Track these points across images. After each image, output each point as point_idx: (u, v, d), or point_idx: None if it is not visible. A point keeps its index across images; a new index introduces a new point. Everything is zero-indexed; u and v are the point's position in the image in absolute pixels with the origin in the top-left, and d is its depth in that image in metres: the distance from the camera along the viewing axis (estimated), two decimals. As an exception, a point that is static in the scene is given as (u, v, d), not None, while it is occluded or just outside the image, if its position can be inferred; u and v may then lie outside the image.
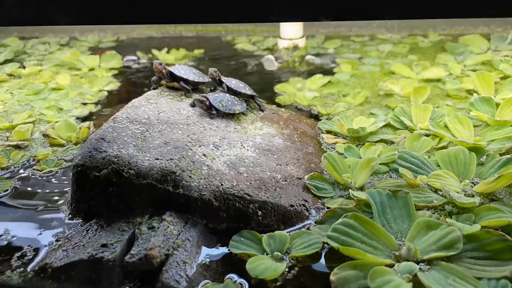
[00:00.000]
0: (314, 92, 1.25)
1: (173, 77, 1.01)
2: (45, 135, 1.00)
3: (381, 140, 0.94)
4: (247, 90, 1.02)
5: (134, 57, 1.65)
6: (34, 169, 0.89)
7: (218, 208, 0.69)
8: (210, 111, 0.93)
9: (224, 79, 1.02)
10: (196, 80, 1.02)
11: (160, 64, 1.01)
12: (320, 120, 1.08)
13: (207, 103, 0.92)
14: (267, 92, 1.27)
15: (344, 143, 0.93)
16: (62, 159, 0.93)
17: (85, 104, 1.24)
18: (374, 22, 1.88)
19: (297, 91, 1.27)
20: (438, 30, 1.82)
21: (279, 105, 1.17)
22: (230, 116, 0.95)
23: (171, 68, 1.02)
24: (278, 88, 1.30)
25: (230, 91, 1.00)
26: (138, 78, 1.49)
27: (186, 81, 1.01)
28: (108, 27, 2.10)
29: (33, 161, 0.93)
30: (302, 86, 1.30)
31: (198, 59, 1.66)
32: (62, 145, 0.99)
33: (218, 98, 0.94)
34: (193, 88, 1.03)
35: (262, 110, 1.03)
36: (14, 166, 0.91)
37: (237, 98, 0.99)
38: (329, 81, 1.32)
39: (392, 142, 0.94)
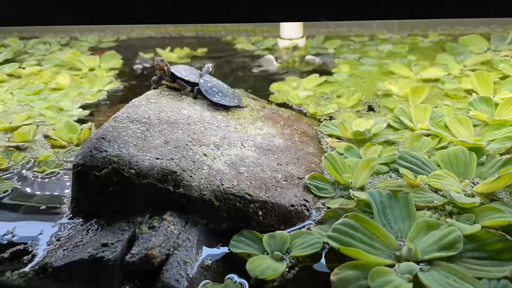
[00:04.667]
0: (308, 92, 1.25)
1: (173, 77, 1.01)
2: (46, 137, 1.00)
3: (385, 142, 0.93)
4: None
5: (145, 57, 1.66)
6: (34, 170, 0.89)
7: (219, 208, 0.69)
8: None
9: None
10: (196, 81, 1.02)
11: (162, 61, 1.01)
12: (319, 119, 1.08)
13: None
14: (264, 91, 1.27)
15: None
16: (63, 160, 0.93)
17: (85, 104, 1.24)
18: (374, 22, 1.88)
19: (292, 89, 1.27)
20: (438, 30, 1.83)
21: (271, 103, 1.17)
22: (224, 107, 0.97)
23: (171, 68, 1.02)
24: (273, 87, 1.30)
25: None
26: (138, 78, 1.49)
27: (186, 82, 1.01)
28: (108, 27, 2.10)
29: (34, 162, 0.93)
30: (297, 85, 1.30)
31: (200, 58, 1.66)
32: (63, 147, 0.98)
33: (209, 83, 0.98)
34: (193, 89, 1.03)
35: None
36: (14, 167, 0.91)
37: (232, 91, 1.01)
38: (325, 81, 1.32)
39: (393, 143, 0.93)
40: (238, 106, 1.00)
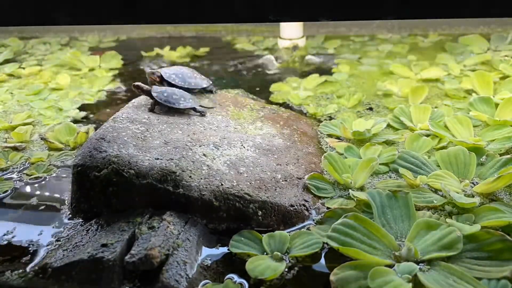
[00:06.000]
0: (308, 92, 1.25)
1: (164, 82, 1.00)
2: (43, 139, 0.99)
3: (385, 142, 0.93)
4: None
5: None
6: (24, 173, 0.88)
7: (218, 208, 0.69)
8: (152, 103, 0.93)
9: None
10: (188, 87, 1.02)
11: (153, 74, 1.01)
12: (319, 120, 1.08)
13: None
14: (264, 92, 1.27)
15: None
16: (53, 164, 0.91)
17: (84, 104, 1.24)
18: (374, 22, 1.88)
19: (292, 90, 1.27)
20: (438, 30, 1.83)
21: (271, 103, 1.17)
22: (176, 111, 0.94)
23: (163, 72, 1.01)
24: (273, 87, 1.30)
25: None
26: (138, 78, 1.49)
27: (176, 87, 1.00)
28: (108, 27, 2.10)
29: (28, 164, 0.92)
30: (297, 86, 1.30)
31: (197, 59, 1.66)
32: (59, 149, 0.97)
33: (159, 89, 0.94)
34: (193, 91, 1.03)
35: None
36: (13, 167, 0.91)
37: (188, 93, 0.98)
38: (325, 81, 1.31)
39: (393, 143, 0.93)
40: (201, 106, 0.99)
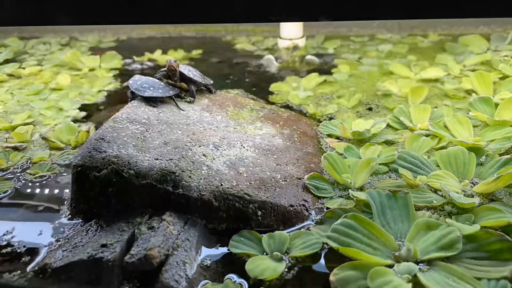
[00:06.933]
0: (308, 92, 1.24)
1: (182, 77, 1.01)
2: (44, 138, 0.99)
3: (385, 142, 0.93)
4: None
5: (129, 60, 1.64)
6: (27, 172, 0.88)
7: (218, 208, 0.69)
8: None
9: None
10: (202, 82, 1.02)
11: (175, 61, 1.00)
12: (318, 120, 1.08)
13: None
14: (264, 92, 1.27)
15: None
16: (56, 163, 0.92)
17: (84, 104, 1.24)
18: (374, 22, 1.88)
19: (292, 90, 1.27)
20: (438, 30, 1.83)
21: (271, 103, 1.17)
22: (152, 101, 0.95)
23: (179, 68, 1.02)
24: (273, 87, 1.29)
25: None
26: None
27: (194, 82, 1.01)
28: (108, 27, 2.10)
29: (29, 163, 0.92)
30: (297, 86, 1.30)
31: (196, 59, 1.66)
32: (60, 149, 0.98)
33: (137, 80, 0.97)
34: (197, 89, 1.03)
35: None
36: (14, 168, 0.91)
37: (163, 84, 0.99)
38: (325, 81, 1.31)
39: (393, 143, 0.93)
40: (178, 96, 0.99)
